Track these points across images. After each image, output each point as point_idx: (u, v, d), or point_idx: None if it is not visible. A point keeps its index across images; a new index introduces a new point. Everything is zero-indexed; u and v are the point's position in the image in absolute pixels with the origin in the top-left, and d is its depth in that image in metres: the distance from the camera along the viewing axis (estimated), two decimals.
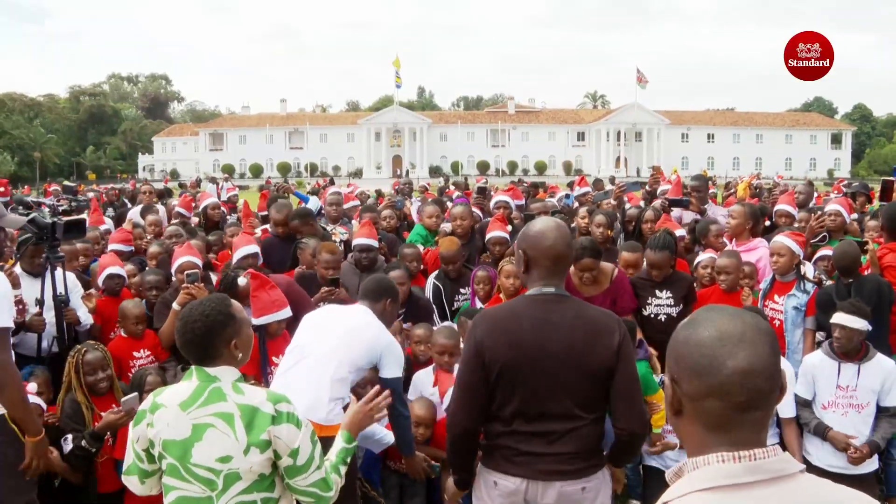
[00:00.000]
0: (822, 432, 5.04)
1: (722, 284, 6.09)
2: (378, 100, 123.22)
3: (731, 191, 15.42)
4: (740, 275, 6.18)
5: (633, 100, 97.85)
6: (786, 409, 5.15)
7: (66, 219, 5.70)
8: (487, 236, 7.45)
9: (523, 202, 10.25)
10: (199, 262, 6.36)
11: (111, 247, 7.68)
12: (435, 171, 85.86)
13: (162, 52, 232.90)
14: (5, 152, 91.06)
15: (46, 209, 5.99)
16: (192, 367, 3.04)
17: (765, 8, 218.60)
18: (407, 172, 77.23)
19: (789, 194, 9.52)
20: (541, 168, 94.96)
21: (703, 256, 6.76)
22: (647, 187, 11.04)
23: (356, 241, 6.99)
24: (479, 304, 6.51)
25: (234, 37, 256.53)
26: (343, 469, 3.28)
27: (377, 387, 3.71)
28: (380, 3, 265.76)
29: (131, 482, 3.15)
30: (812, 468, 5.06)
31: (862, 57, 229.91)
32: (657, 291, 6.10)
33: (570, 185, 18.25)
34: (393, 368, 4.45)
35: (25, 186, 26.06)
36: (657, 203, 8.60)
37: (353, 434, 3.44)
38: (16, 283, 5.45)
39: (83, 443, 4.60)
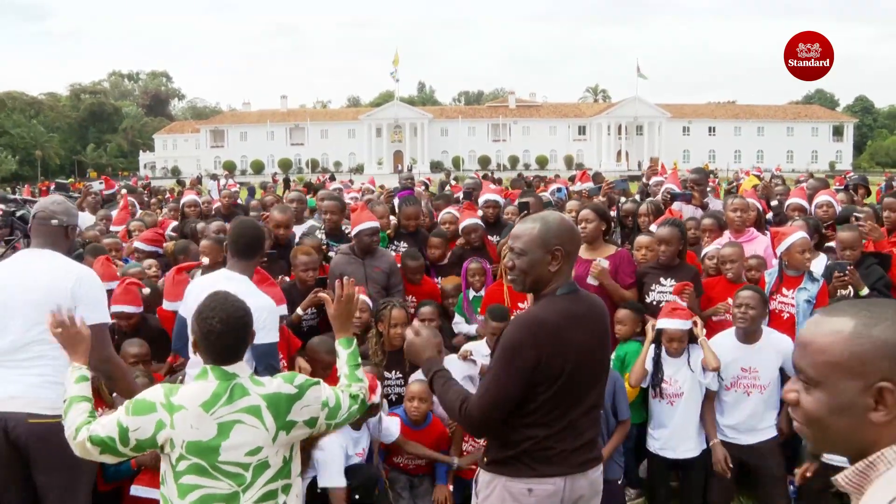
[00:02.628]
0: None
1: (728, 273, 6.08)
2: (379, 95, 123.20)
3: (732, 186, 15.35)
4: (745, 264, 6.19)
5: (634, 93, 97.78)
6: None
7: None
8: (462, 224, 7.56)
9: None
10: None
11: (136, 244, 7.68)
12: (436, 167, 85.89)
13: (162, 49, 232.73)
14: (6, 151, 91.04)
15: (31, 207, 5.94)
16: (206, 366, 3.07)
17: (766, 1, 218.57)
18: (409, 168, 77.17)
19: (801, 188, 9.49)
20: (542, 162, 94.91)
21: (710, 248, 6.74)
22: (643, 180, 11.03)
23: (359, 227, 6.69)
24: (472, 294, 6.67)
25: (234, 34, 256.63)
26: (359, 370, 3.49)
27: (344, 278, 3.66)
28: None
29: (91, 451, 3.14)
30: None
31: (863, 49, 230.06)
32: (662, 279, 6.07)
33: (572, 179, 18.28)
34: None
35: (25, 185, 26.09)
36: (659, 198, 8.59)
37: (348, 333, 3.58)
38: None
39: None
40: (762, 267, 6.40)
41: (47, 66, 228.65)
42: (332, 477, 4.38)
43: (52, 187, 10.27)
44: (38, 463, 4.06)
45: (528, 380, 3.11)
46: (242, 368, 3.09)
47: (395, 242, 7.74)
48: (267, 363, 4.15)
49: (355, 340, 3.60)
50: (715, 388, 5.29)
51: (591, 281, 5.85)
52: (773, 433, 5.32)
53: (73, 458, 3.98)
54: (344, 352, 3.53)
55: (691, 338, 5.41)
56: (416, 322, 3.89)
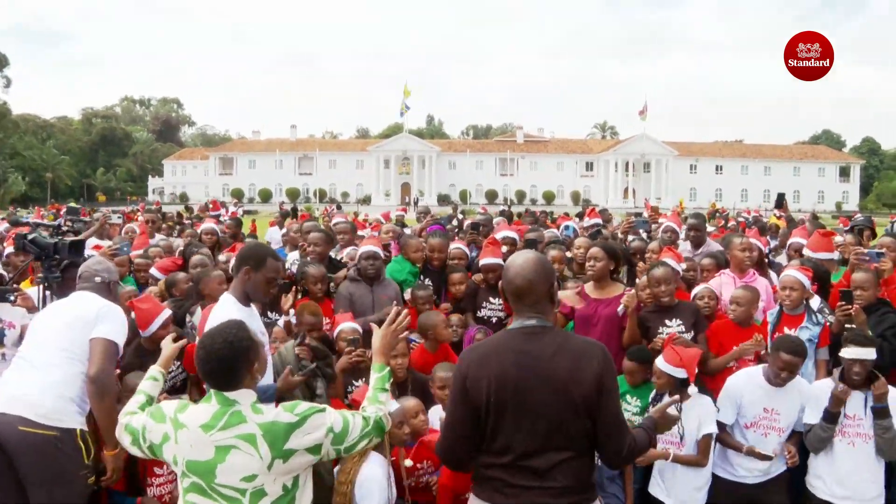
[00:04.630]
0: (829, 416, 5.06)
1: (731, 314, 6.10)
2: (388, 127, 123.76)
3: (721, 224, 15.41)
4: (753, 310, 6.19)
5: (642, 131, 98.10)
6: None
7: (68, 239, 5.77)
8: (481, 262, 7.50)
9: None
10: (359, 328, 5.96)
11: (152, 271, 7.79)
12: (443, 199, 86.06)
13: (174, 76, 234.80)
14: (18, 172, 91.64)
15: (45, 231, 6.10)
16: (211, 391, 3.17)
17: (773, 41, 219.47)
18: (416, 200, 77.34)
19: (802, 228, 9.58)
20: (549, 198, 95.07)
21: (699, 288, 6.69)
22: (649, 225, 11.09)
23: (361, 249, 7.07)
24: None
25: (245, 62, 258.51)
26: (383, 395, 3.53)
27: (396, 307, 3.81)
28: (390, 32, 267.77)
29: (123, 438, 3.41)
30: (817, 500, 5.17)
31: (870, 90, 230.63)
32: (666, 321, 6.10)
33: (580, 216, 18.36)
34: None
35: (36, 208, 26.28)
36: (660, 236, 8.73)
37: (385, 361, 3.67)
38: (31, 307, 5.56)
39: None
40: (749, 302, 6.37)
41: (61, 91, 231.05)
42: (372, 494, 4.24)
43: (64, 211, 10.40)
44: (28, 476, 4.19)
45: (465, 405, 3.29)
46: (244, 396, 3.14)
47: (422, 278, 7.70)
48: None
49: (388, 369, 3.67)
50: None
51: (620, 310, 5.96)
52: (781, 468, 5.29)
53: (64, 475, 4.20)
54: (375, 374, 3.62)
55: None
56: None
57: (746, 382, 5.25)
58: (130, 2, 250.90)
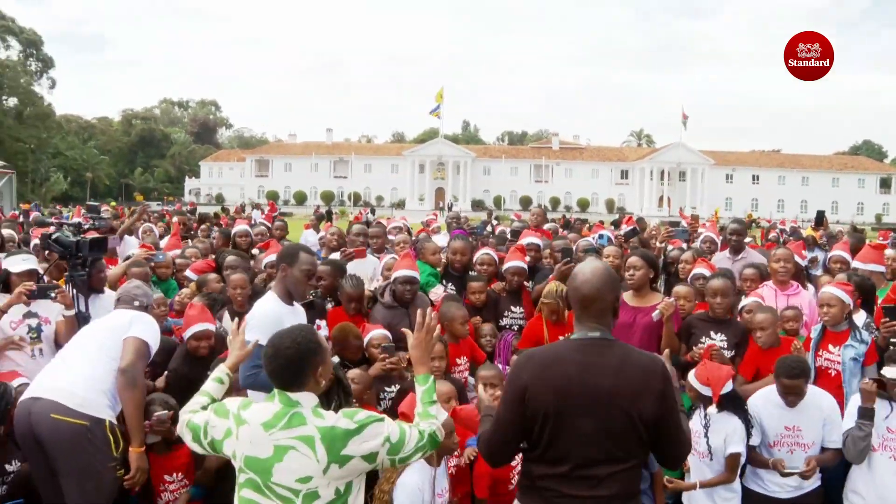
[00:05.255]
0: (865, 412, 4.98)
1: (758, 341, 5.94)
2: (423, 132, 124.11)
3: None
4: (777, 328, 6.04)
5: (678, 139, 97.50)
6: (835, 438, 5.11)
7: (89, 237, 5.92)
8: (505, 266, 7.47)
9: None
10: (389, 335, 5.94)
11: (187, 273, 7.86)
12: (478, 205, 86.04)
13: (213, 79, 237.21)
14: (59, 172, 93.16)
15: (68, 228, 6.20)
16: (276, 390, 3.24)
17: None
18: (450, 206, 77.36)
19: (844, 242, 9.44)
20: (583, 205, 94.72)
21: (748, 300, 6.59)
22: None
23: (397, 273, 6.70)
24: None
25: (282, 66, 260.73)
26: (433, 408, 3.50)
27: (427, 308, 3.77)
28: (426, 38, 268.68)
29: (185, 434, 3.48)
30: None
31: None
32: (712, 332, 6.04)
33: (616, 224, 18.25)
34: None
35: (77, 207, 26.73)
36: (697, 245, 8.66)
37: (427, 370, 3.62)
38: (68, 304, 5.67)
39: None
40: (799, 318, 6.37)
41: (102, 93, 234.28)
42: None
43: (84, 210, 10.57)
44: (59, 465, 4.34)
45: (518, 412, 3.28)
46: (307, 398, 3.20)
47: (444, 282, 7.69)
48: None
49: (432, 377, 3.62)
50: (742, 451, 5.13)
51: (655, 316, 5.90)
52: (815, 483, 5.18)
53: (94, 465, 4.34)
54: (420, 388, 3.58)
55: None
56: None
57: (764, 404, 5.19)
58: (171, 7, 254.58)
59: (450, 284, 7.63)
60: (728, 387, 5.05)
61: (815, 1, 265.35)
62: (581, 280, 3.39)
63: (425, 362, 3.65)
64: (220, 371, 3.89)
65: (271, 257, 7.48)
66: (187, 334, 5.77)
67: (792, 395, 5.01)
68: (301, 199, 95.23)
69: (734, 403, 5.10)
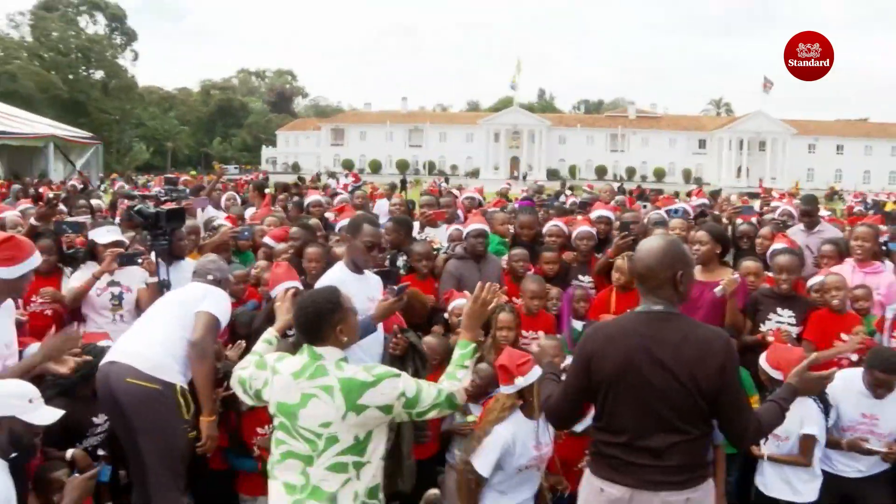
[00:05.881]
0: None
1: (834, 301, 5.92)
2: (498, 101, 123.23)
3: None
4: (849, 295, 6.01)
5: (758, 108, 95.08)
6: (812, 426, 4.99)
7: (167, 207, 6.14)
8: (574, 233, 7.67)
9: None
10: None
11: (265, 240, 7.86)
12: (553, 174, 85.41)
13: (289, 48, 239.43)
14: (142, 142, 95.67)
15: (149, 201, 6.46)
16: (305, 345, 3.62)
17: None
18: (524, 175, 77.13)
19: None
20: (659, 175, 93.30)
21: (816, 279, 6.46)
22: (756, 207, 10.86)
23: (469, 227, 7.10)
24: (578, 325, 6.56)
25: (357, 35, 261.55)
26: (461, 372, 3.76)
27: (489, 284, 3.96)
28: (501, 5, 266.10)
29: (236, 387, 3.91)
30: None
31: None
32: (779, 308, 6.01)
33: (689, 195, 18.00)
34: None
35: (158, 176, 27.51)
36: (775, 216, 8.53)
37: (471, 337, 3.88)
38: (152, 271, 5.99)
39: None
40: (869, 297, 6.22)
41: (181, 63, 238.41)
42: (480, 461, 4.46)
43: (163, 181, 10.88)
44: (134, 423, 4.62)
45: (583, 379, 3.50)
46: (331, 353, 3.55)
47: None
48: None
49: (473, 346, 3.86)
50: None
51: (717, 292, 5.89)
52: (884, 466, 5.11)
53: (167, 425, 4.63)
54: (458, 350, 3.84)
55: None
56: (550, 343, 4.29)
57: (844, 389, 5.05)
58: None
59: None
60: None
61: None
62: (637, 256, 3.57)
63: (472, 329, 3.92)
64: (269, 333, 4.29)
65: (344, 222, 7.66)
66: (274, 292, 5.82)
67: (882, 389, 4.95)
68: (376, 167, 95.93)
69: None
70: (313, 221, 8.65)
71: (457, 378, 3.73)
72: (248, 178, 29.30)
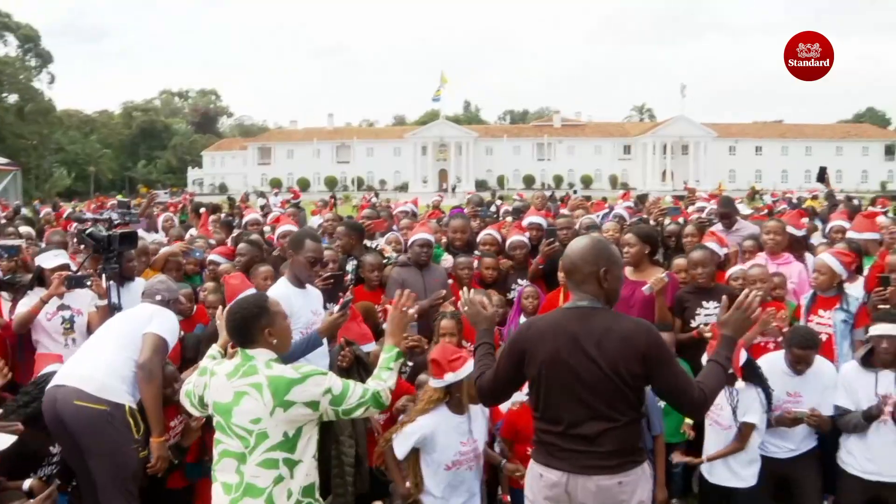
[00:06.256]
0: (869, 416, 5.12)
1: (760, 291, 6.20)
2: (424, 114, 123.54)
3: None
4: (772, 286, 6.41)
5: (680, 112, 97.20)
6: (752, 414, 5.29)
7: (119, 231, 6.19)
8: (508, 242, 7.93)
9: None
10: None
11: (212, 256, 7.93)
12: (481, 185, 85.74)
13: (212, 68, 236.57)
14: (62, 167, 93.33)
15: (101, 224, 6.46)
16: (239, 348, 3.82)
17: (814, 21, 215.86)
18: (454, 187, 77.47)
19: (843, 212, 9.66)
20: (587, 182, 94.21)
21: (735, 269, 6.95)
22: (685, 208, 11.26)
23: (414, 237, 7.29)
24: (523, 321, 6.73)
25: (281, 53, 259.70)
26: (386, 374, 3.98)
27: (406, 291, 4.27)
28: (424, 19, 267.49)
29: (185, 402, 4.10)
30: (848, 476, 5.31)
31: None
32: (704, 302, 6.27)
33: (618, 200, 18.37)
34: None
35: (87, 202, 27.04)
36: (704, 215, 8.91)
37: (395, 342, 4.11)
38: (102, 294, 5.99)
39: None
40: (783, 285, 6.65)
41: (102, 85, 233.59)
42: (398, 443, 4.66)
43: (115, 204, 10.72)
44: (83, 445, 4.65)
45: (514, 371, 3.74)
46: (261, 354, 3.74)
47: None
48: None
49: (397, 350, 4.07)
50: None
51: (646, 290, 6.11)
52: (812, 444, 5.48)
53: (117, 446, 4.66)
54: (384, 354, 4.08)
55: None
56: (479, 297, 4.33)
57: (769, 371, 5.39)
58: None
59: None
60: (742, 358, 5.23)
61: None
62: (565, 253, 3.79)
63: (395, 335, 4.15)
64: (213, 349, 4.42)
65: (283, 228, 8.22)
66: None
67: (802, 364, 5.31)
68: (304, 185, 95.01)
69: (752, 376, 5.30)
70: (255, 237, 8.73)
71: (382, 379, 3.93)
72: (177, 201, 28.93)
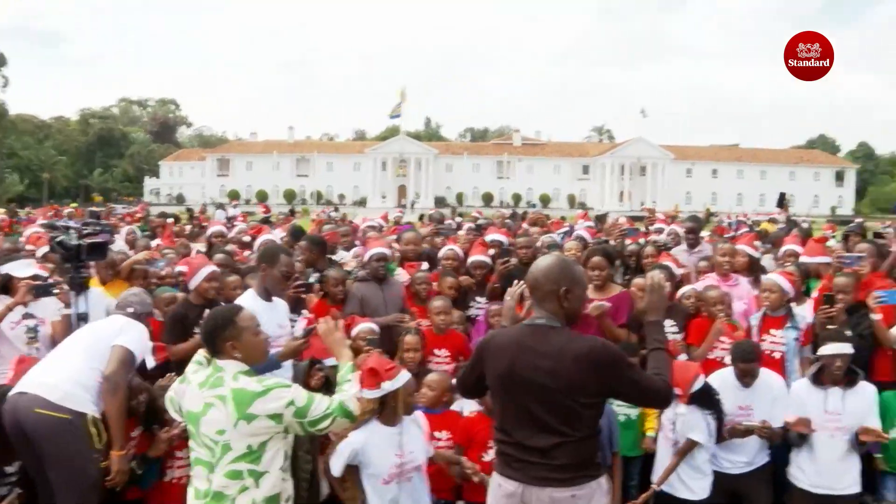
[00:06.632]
0: (803, 436, 5.39)
1: (721, 313, 6.45)
2: (385, 130, 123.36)
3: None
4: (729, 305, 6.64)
5: (639, 134, 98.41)
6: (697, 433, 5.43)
7: (89, 241, 6.12)
8: (469, 261, 8.04)
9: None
10: (377, 329, 6.25)
11: (179, 268, 7.85)
12: (440, 202, 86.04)
13: (172, 77, 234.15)
14: (15, 173, 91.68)
15: (73, 232, 6.43)
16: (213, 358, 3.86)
17: (769, 46, 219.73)
18: (412, 203, 77.57)
19: (794, 235, 9.93)
20: (545, 201, 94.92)
21: (686, 288, 7.14)
22: (643, 228, 11.54)
23: (371, 252, 7.29)
24: None
25: (242, 64, 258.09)
26: (347, 384, 3.93)
27: (333, 312, 4.34)
28: (388, 35, 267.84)
29: (169, 409, 4.13)
30: (798, 490, 5.49)
31: (866, 96, 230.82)
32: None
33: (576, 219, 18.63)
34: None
35: (38, 209, 26.59)
36: (663, 238, 9.15)
37: (343, 358, 4.08)
38: (67, 303, 5.98)
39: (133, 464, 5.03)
40: (729, 304, 6.78)
41: (59, 91, 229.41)
42: (332, 462, 4.65)
43: (87, 214, 10.67)
44: (45, 456, 4.61)
45: (474, 377, 3.91)
46: (229, 365, 3.76)
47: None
48: None
49: (349, 363, 4.05)
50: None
51: (590, 311, 6.15)
52: (765, 459, 5.65)
53: (77, 455, 4.64)
54: (339, 371, 4.05)
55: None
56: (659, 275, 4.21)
57: (720, 387, 5.58)
58: (128, 2, 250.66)
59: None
60: (699, 384, 5.39)
61: None
62: (530, 270, 3.86)
63: (338, 350, 4.13)
64: (199, 354, 4.33)
65: (263, 238, 8.72)
66: (196, 281, 6.33)
67: (748, 377, 5.52)
68: (263, 197, 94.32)
69: (704, 401, 5.45)
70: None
71: (344, 390, 3.90)
72: (133, 210, 28.63)
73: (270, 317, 5.31)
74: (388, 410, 4.58)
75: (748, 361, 5.50)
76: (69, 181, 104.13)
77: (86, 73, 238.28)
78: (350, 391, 3.89)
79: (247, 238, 10.67)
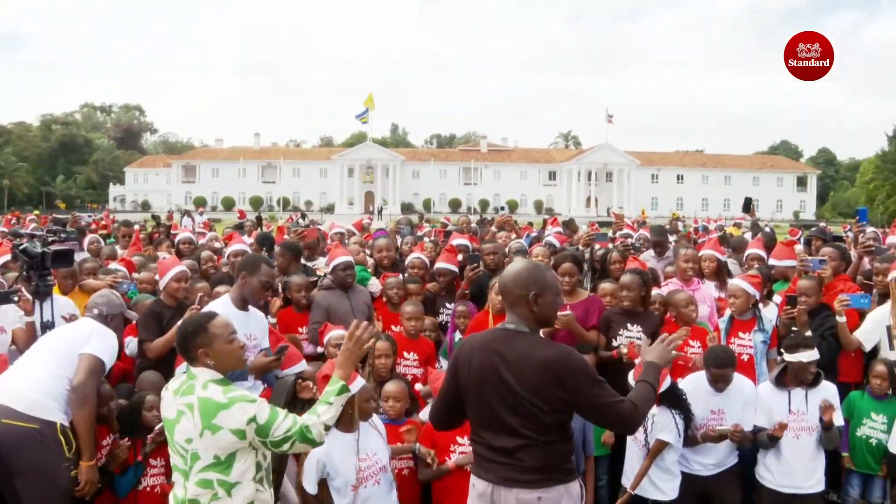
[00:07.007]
0: (773, 438, 5.48)
1: (693, 314, 6.51)
2: (352, 136, 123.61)
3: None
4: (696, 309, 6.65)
5: (604, 140, 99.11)
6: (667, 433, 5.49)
7: (54, 248, 6.04)
8: (436, 267, 8.02)
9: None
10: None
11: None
12: (407, 208, 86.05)
13: (136, 83, 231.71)
14: None
15: (37, 241, 6.35)
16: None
17: (733, 55, 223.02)
18: (380, 209, 77.53)
19: (758, 240, 10.03)
20: (512, 206, 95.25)
21: (655, 292, 7.08)
22: (610, 233, 11.60)
23: (336, 260, 7.18)
24: (458, 337, 6.83)
25: (208, 70, 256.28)
26: (324, 407, 3.68)
27: (364, 323, 3.94)
28: (355, 41, 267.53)
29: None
30: (766, 490, 5.59)
31: (827, 104, 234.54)
32: (629, 325, 6.47)
33: (543, 224, 18.71)
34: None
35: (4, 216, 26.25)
36: (630, 241, 9.25)
37: (342, 375, 3.78)
38: (28, 310, 5.86)
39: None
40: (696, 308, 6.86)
41: (20, 96, 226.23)
42: (305, 481, 4.65)
43: (50, 221, 10.55)
44: (13, 466, 4.49)
45: (453, 383, 3.87)
46: (202, 373, 3.74)
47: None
48: None
49: (342, 384, 3.76)
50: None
51: (558, 325, 6.21)
52: (734, 461, 5.72)
53: (47, 465, 4.56)
54: (328, 387, 3.77)
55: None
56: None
57: (692, 392, 5.62)
58: (93, 6, 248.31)
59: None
60: (666, 384, 5.40)
61: (734, 7, 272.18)
62: (501, 275, 3.95)
63: (345, 368, 3.82)
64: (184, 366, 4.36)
65: (236, 247, 8.57)
66: (165, 280, 6.30)
67: (721, 382, 5.56)
68: (229, 204, 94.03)
69: (673, 400, 5.50)
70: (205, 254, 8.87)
71: (317, 413, 3.68)
72: (99, 218, 28.33)
73: (242, 325, 5.18)
74: (345, 417, 4.49)
75: (721, 367, 5.53)
76: (30, 188, 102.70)
77: (47, 77, 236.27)
78: (323, 416, 3.66)
79: (218, 245, 10.59)
